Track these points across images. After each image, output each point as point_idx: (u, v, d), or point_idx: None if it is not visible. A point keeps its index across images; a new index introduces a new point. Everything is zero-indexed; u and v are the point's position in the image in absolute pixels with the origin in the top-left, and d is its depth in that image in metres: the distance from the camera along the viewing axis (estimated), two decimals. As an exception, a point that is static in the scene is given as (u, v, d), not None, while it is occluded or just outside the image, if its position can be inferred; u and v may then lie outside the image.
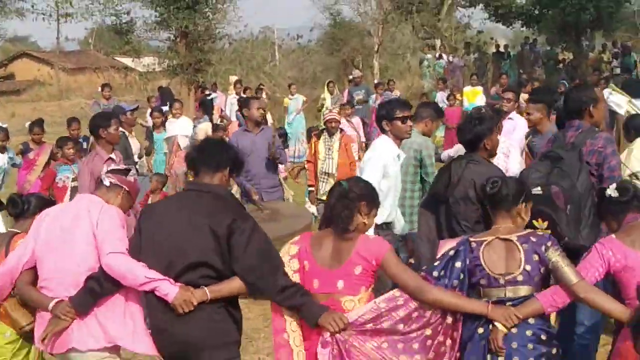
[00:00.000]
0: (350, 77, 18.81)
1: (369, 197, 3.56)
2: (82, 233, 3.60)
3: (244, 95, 15.56)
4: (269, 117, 13.60)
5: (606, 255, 3.41)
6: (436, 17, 25.96)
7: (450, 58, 23.40)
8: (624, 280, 3.41)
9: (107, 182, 3.87)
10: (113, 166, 4.26)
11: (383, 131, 5.31)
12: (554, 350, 3.41)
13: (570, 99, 4.89)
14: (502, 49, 25.12)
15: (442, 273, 3.47)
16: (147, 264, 3.41)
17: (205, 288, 3.36)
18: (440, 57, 23.77)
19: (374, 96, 16.41)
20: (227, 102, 16.69)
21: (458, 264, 3.48)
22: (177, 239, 3.43)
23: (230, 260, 3.39)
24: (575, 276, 3.31)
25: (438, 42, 26.09)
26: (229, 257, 3.39)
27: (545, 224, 3.99)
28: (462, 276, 3.47)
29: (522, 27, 25.56)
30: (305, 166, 8.70)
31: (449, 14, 26.30)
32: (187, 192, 3.75)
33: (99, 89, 15.04)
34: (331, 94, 16.50)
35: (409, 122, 5.29)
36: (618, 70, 20.29)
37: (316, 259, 3.48)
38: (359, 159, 12.24)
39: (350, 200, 3.48)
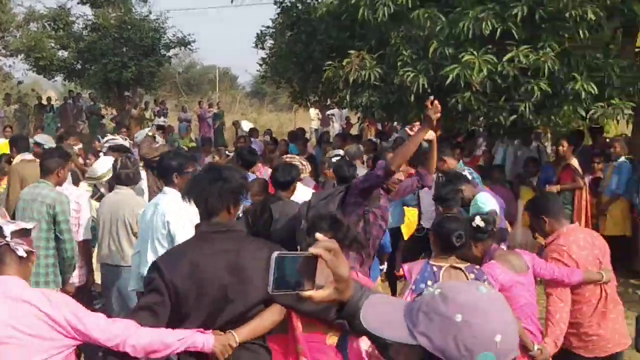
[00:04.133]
0: None
1: None
2: None
3: None
4: None
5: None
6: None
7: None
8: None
9: (22, 252, 3.02)
10: (13, 227, 3.13)
11: (168, 182, 5.25)
12: None
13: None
14: (44, 102, 24.14)
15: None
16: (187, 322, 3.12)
17: (233, 331, 3.16)
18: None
19: None
20: None
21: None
22: (224, 289, 3.15)
23: None
24: None
25: (-29, 91, 23.82)
26: None
27: None
28: None
29: (65, 80, 24.90)
30: None
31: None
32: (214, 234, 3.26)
33: None
34: None
35: None
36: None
37: None
38: None
39: None
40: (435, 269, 4.20)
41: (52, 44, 23.56)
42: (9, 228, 3.11)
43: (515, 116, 8.70)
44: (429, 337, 1.54)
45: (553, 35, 8.40)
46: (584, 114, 8.67)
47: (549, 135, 14.42)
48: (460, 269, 4.20)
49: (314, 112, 22.52)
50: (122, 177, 6.02)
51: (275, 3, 13.83)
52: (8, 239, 3.06)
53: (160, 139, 14.51)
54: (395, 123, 14.84)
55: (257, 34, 14.61)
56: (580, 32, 8.31)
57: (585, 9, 8.00)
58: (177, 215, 4.86)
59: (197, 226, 3.37)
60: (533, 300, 4.54)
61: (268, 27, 14.51)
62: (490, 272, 4.32)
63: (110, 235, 5.92)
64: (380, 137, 16.21)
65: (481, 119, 9.40)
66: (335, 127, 21.43)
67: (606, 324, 4.70)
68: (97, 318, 3.05)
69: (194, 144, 18.82)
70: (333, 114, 21.83)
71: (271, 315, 3.28)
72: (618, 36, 10.78)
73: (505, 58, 8.16)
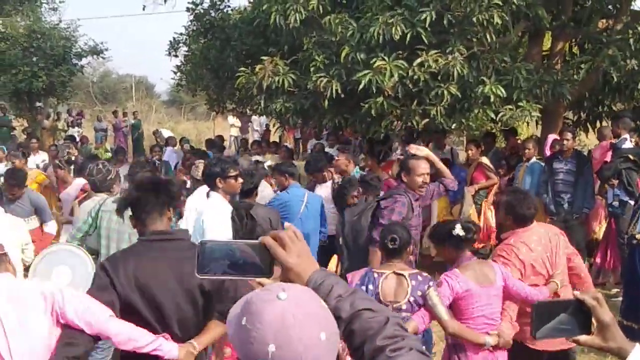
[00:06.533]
0: None
1: None
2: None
3: None
4: None
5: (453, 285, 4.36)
6: None
7: None
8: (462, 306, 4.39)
9: None
10: None
11: (213, 188, 5.53)
12: None
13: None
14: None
15: None
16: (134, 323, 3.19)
17: (193, 341, 3.31)
18: None
19: None
20: None
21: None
22: (166, 295, 3.28)
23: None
24: (445, 314, 4.23)
25: None
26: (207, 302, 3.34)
27: None
28: None
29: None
30: None
31: None
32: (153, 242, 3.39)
33: None
34: None
35: (240, 180, 5.70)
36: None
37: None
38: None
39: None
40: (376, 275, 4.33)
41: (-42, 55, 22.54)
42: None
43: (427, 120, 8.79)
44: (232, 334, 1.57)
45: (461, 39, 8.54)
46: (493, 116, 8.84)
47: (464, 139, 14.71)
48: (403, 275, 4.29)
49: (232, 119, 22.31)
50: (94, 184, 6.13)
51: (187, 10, 13.61)
52: None
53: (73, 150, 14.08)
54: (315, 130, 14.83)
55: (170, 41, 14.33)
56: (488, 36, 8.48)
57: (491, 14, 8.18)
58: (212, 217, 5.29)
59: (140, 235, 3.48)
60: (492, 313, 4.44)
61: (181, 34, 14.26)
62: (447, 279, 4.36)
63: None
64: (296, 143, 16.22)
65: (395, 123, 9.46)
66: (255, 135, 21.28)
67: None
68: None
69: (109, 154, 18.31)
70: (252, 121, 21.69)
71: (217, 327, 3.39)
72: (525, 40, 11.09)
73: (415, 63, 8.24)
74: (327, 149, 11.65)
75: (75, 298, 3.17)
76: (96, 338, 3.16)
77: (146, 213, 3.39)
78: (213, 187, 5.60)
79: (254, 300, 1.54)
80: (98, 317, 3.11)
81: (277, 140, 17.63)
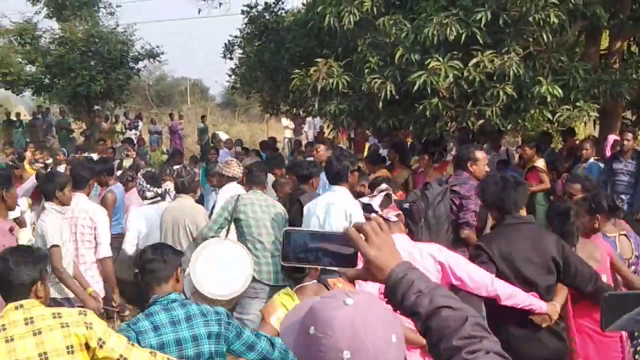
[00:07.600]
0: None
1: None
2: None
3: None
4: None
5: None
6: None
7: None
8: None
9: (393, 218, 3.90)
10: (378, 200, 4.05)
11: (340, 181, 5.59)
12: None
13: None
14: (13, 117, 23.98)
15: None
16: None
17: (554, 302, 4.11)
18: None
19: None
20: None
21: None
22: (528, 266, 4.09)
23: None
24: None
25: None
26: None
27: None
28: None
29: (34, 95, 24.58)
30: None
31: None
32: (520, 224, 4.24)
33: None
34: None
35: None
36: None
37: None
38: None
39: None
40: (611, 237, 4.92)
41: (20, 59, 23.20)
42: (376, 202, 3.98)
43: (482, 121, 8.74)
44: (295, 344, 1.57)
45: (517, 39, 8.47)
46: (550, 117, 8.74)
47: (519, 139, 14.53)
48: (625, 235, 4.98)
49: (286, 121, 22.47)
50: (178, 186, 6.39)
51: (242, 13, 13.80)
52: (379, 212, 3.86)
53: (131, 152, 14.41)
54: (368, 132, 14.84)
55: (225, 44, 14.54)
56: (544, 35, 8.39)
57: (548, 13, 8.09)
58: (357, 209, 5.27)
59: (504, 219, 4.24)
60: None
61: (236, 36, 14.46)
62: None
63: (173, 241, 6.06)
64: (350, 143, 16.21)
65: (450, 124, 9.43)
66: (309, 136, 21.38)
67: None
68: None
69: (165, 156, 18.66)
70: (305, 123, 21.82)
71: (564, 289, 4.30)
72: (582, 39, 10.91)
73: (470, 63, 8.20)
74: (381, 151, 11.65)
75: (460, 262, 3.93)
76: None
77: (515, 205, 4.20)
78: (341, 181, 5.60)
79: (320, 308, 1.53)
80: (484, 280, 3.87)
81: (331, 140, 17.67)
